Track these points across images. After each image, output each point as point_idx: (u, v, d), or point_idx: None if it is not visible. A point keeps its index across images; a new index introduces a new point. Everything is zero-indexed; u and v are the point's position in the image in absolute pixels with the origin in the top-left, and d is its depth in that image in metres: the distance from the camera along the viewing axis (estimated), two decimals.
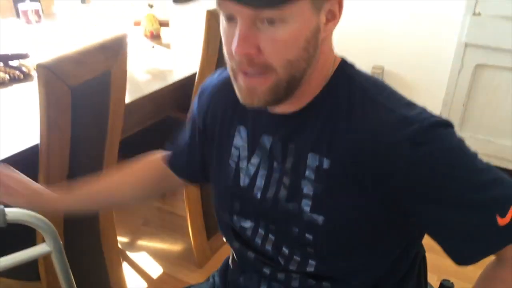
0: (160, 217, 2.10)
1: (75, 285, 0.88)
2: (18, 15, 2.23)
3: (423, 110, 0.69)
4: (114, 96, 1.17)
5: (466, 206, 0.66)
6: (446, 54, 2.61)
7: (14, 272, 1.20)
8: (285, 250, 0.76)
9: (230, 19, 0.62)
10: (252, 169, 0.77)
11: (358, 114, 0.68)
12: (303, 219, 0.72)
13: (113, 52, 1.09)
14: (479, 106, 2.46)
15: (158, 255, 1.84)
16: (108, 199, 0.95)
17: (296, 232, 0.73)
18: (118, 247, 1.55)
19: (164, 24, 1.97)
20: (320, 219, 0.71)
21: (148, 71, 1.59)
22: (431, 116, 0.68)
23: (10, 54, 1.55)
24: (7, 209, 0.74)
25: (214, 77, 0.86)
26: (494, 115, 2.43)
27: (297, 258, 0.76)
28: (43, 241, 0.81)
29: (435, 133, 0.66)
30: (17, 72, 1.52)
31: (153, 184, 0.96)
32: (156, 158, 0.95)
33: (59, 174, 1.06)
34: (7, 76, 1.49)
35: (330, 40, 0.71)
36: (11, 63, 1.55)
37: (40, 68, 0.91)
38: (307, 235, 0.72)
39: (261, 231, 0.79)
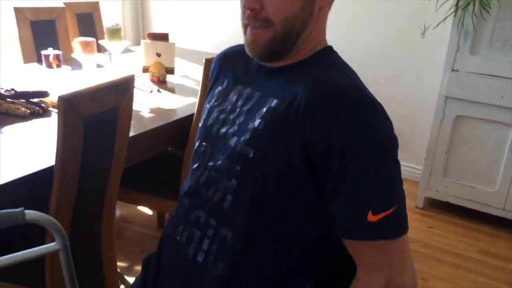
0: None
1: (77, 283, 1.02)
2: (39, 60, 2.47)
3: (365, 89, 0.79)
4: (120, 129, 1.35)
5: (350, 185, 0.74)
6: (429, 106, 2.81)
7: (20, 277, 1.34)
8: (213, 186, 0.86)
9: None
10: (217, 111, 0.92)
11: (317, 77, 0.80)
12: (237, 150, 0.82)
13: (121, 90, 1.28)
14: (461, 154, 2.62)
15: None
16: None
17: (227, 163, 0.83)
18: (117, 271, 1.69)
19: (169, 71, 2.19)
20: (251, 152, 0.80)
21: (152, 110, 1.79)
22: (368, 95, 0.77)
23: (31, 91, 1.76)
24: (26, 211, 0.91)
25: (227, 48, 1.04)
26: (475, 162, 2.59)
27: (219, 193, 0.85)
28: (52, 241, 0.97)
29: (365, 107, 0.75)
30: (37, 108, 1.72)
31: None
32: None
33: (69, 192, 1.23)
34: (28, 111, 1.69)
35: (324, 22, 0.87)
36: (32, 100, 1.76)
37: (60, 99, 1.10)
38: (236, 166, 0.82)
39: (204, 170, 0.89)
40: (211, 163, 0.88)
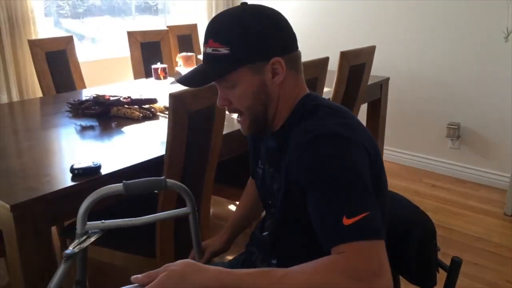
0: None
1: (201, 244, 1.26)
2: (147, 76, 2.87)
3: (330, 124, 0.91)
4: (217, 124, 1.60)
5: (325, 200, 0.83)
6: None
7: (133, 247, 1.62)
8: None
9: None
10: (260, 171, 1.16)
11: (300, 126, 0.95)
12: (269, 190, 1.09)
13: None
14: None
15: None
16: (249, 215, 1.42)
17: (268, 201, 1.13)
18: None
19: None
20: (275, 187, 1.05)
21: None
22: (326, 128, 0.90)
23: (143, 99, 2.10)
24: (167, 179, 1.15)
25: None
26: None
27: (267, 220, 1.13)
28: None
29: (318, 141, 0.88)
30: (148, 112, 2.04)
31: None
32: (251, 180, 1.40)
33: (175, 174, 1.49)
34: (140, 115, 2.02)
35: (290, 84, 1.00)
36: (144, 106, 2.10)
37: (171, 96, 1.37)
38: (269, 200, 1.11)
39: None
40: None
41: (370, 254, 0.77)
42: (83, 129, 1.88)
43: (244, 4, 1.01)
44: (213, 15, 3.88)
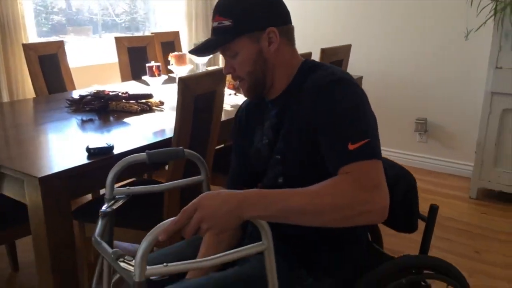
0: None
1: None
2: (134, 78, 3.00)
3: (338, 72, 1.09)
4: (216, 107, 1.77)
5: (334, 131, 1.01)
6: (477, 102, 3.05)
7: (145, 224, 1.75)
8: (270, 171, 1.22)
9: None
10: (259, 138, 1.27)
11: (304, 95, 1.10)
12: (278, 151, 1.19)
13: (217, 78, 1.70)
14: (509, 145, 2.82)
15: None
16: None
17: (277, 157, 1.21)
18: None
19: None
20: (282, 145, 1.16)
21: (232, 106, 2.21)
22: (335, 76, 1.07)
23: (140, 94, 2.24)
24: (184, 149, 1.29)
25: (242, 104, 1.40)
26: None
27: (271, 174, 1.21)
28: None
29: (330, 86, 1.05)
30: (145, 106, 2.19)
31: None
32: None
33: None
34: (139, 108, 2.16)
35: (286, 52, 1.16)
36: (140, 100, 2.24)
37: (180, 80, 1.53)
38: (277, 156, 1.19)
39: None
40: None
41: (371, 170, 0.95)
42: (84, 122, 2.01)
43: None
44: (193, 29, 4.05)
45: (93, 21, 3.91)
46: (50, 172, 1.39)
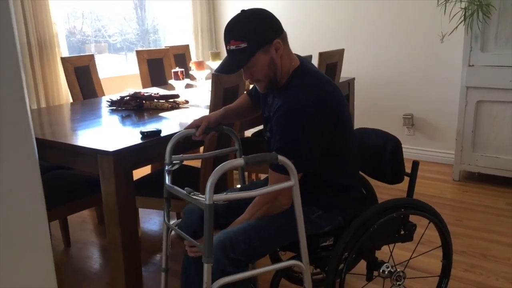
0: None
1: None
2: (153, 86, 3.41)
3: (310, 97, 1.43)
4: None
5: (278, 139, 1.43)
6: (455, 96, 3.50)
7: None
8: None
9: None
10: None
11: (292, 89, 1.48)
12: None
13: (239, 75, 2.12)
14: (485, 132, 3.26)
15: None
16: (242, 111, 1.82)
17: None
18: None
19: None
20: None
21: None
22: (296, 103, 1.43)
23: (169, 94, 2.65)
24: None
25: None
26: (497, 137, 3.22)
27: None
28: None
29: (288, 113, 1.42)
30: (175, 104, 2.59)
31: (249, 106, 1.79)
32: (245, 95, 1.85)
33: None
34: (169, 106, 2.57)
35: (287, 56, 1.48)
36: (169, 100, 2.65)
37: (213, 75, 1.95)
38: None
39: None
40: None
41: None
42: (123, 118, 2.41)
43: (243, 10, 1.46)
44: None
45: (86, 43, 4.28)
46: (118, 148, 1.79)
